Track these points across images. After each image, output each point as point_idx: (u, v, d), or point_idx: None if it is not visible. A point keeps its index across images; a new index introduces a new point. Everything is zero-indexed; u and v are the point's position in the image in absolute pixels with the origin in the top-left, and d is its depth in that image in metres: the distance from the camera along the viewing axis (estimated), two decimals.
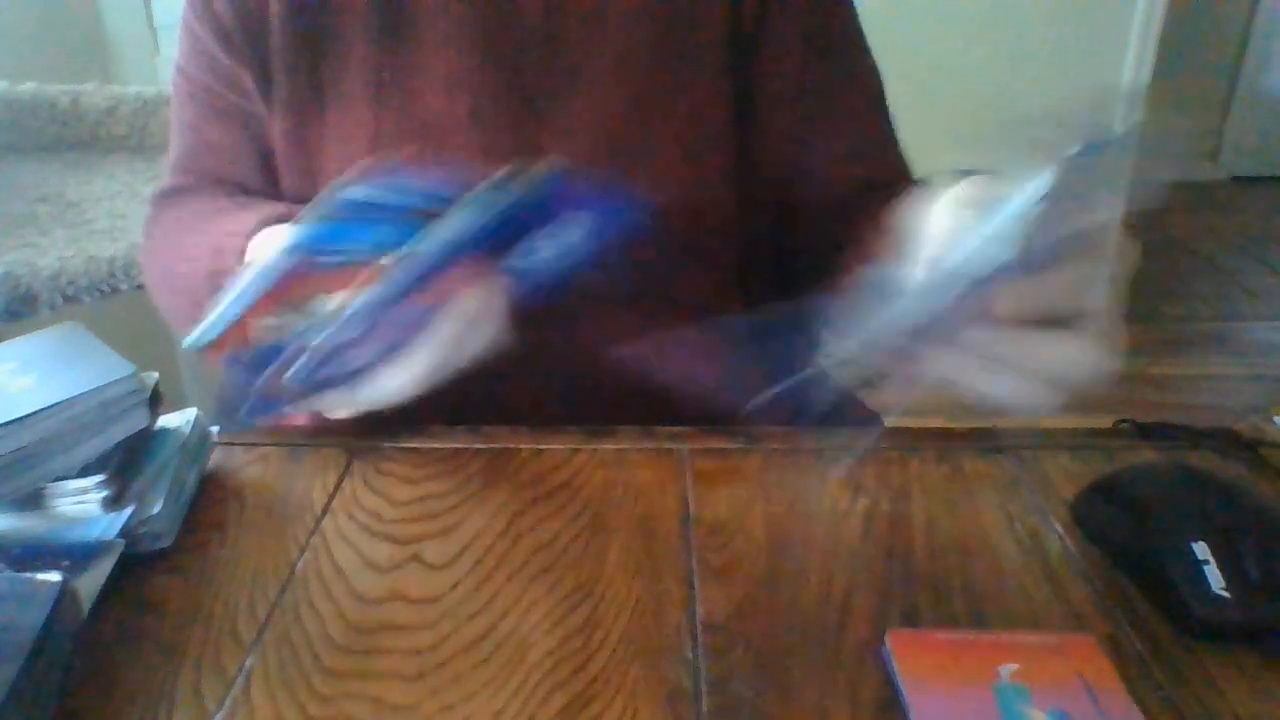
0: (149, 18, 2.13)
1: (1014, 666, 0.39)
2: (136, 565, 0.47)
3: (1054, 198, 0.36)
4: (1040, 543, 0.49)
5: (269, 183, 0.69)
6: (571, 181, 0.48)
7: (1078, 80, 2.43)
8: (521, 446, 0.58)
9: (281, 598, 0.45)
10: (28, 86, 1.43)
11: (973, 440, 0.58)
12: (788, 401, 0.46)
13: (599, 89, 0.63)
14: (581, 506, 0.52)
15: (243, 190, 0.69)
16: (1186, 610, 0.42)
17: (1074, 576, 0.47)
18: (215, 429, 0.58)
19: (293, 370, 0.49)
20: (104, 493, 0.48)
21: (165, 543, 0.49)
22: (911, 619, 0.44)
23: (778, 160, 0.68)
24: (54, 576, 0.41)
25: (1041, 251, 0.38)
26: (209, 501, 0.53)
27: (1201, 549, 0.43)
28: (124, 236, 1.17)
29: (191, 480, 0.53)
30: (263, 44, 0.65)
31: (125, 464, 0.50)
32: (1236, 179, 4.00)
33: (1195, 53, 3.73)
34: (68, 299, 1.07)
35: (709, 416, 0.62)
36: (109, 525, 0.47)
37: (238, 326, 0.49)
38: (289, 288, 0.48)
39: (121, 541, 0.46)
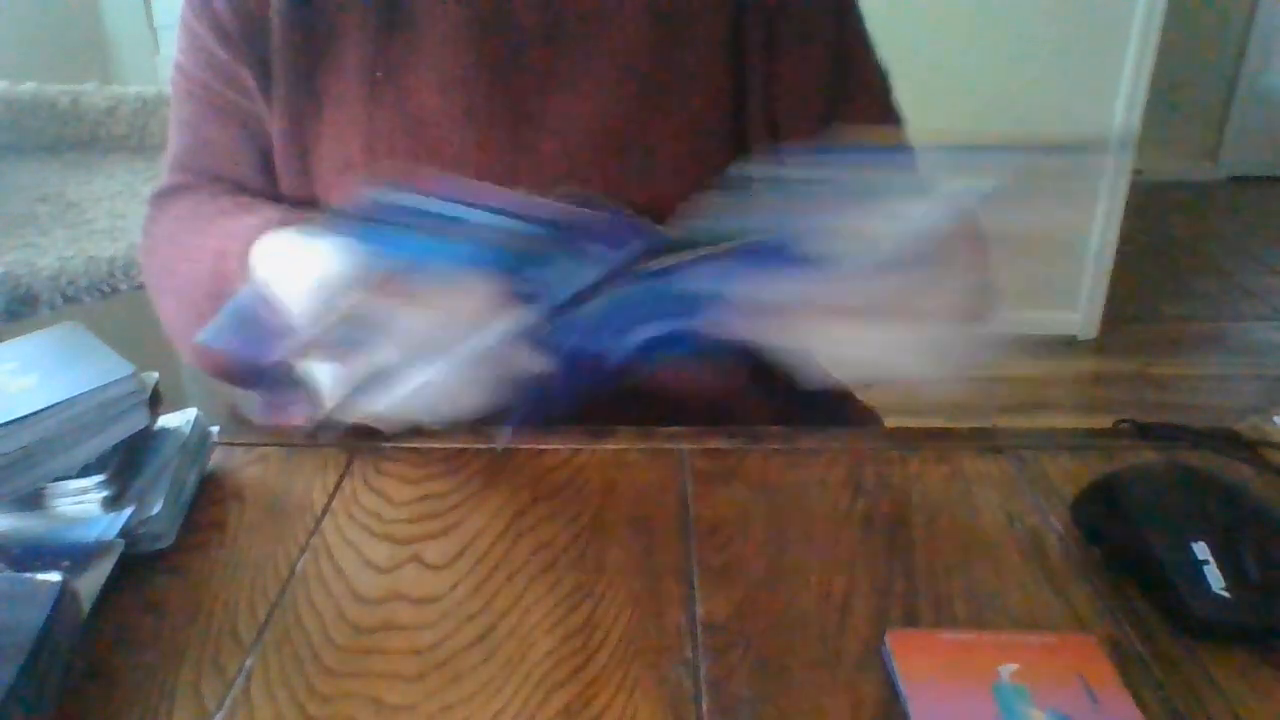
0: (149, 18, 2.13)
1: (1014, 666, 0.39)
2: (136, 565, 0.47)
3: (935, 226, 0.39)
4: (1040, 543, 0.49)
5: (268, 181, 0.69)
6: (589, 216, 0.48)
7: (1078, 80, 2.43)
8: (521, 446, 0.58)
9: (281, 598, 0.45)
10: (28, 86, 1.43)
11: (973, 440, 0.59)
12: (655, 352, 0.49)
13: (596, 88, 0.63)
14: (581, 506, 0.52)
15: (241, 189, 0.69)
16: (1186, 610, 0.42)
17: (1074, 576, 0.47)
18: (215, 429, 0.58)
19: (387, 395, 0.50)
20: (104, 493, 0.48)
21: (165, 543, 0.49)
22: (911, 619, 0.44)
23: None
24: (54, 576, 0.41)
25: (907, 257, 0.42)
26: (209, 501, 0.53)
27: (1201, 549, 0.43)
28: (124, 236, 1.17)
29: (191, 480, 0.53)
30: (262, 42, 0.65)
31: (125, 464, 0.50)
32: (1236, 179, 4.00)
33: (1195, 53, 3.73)
34: (68, 299, 1.07)
35: (706, 413, 0.62)
36: (109, 525, 0.47)
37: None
38: (371, 302, 0.48)
39: (121, 541, 0.46)
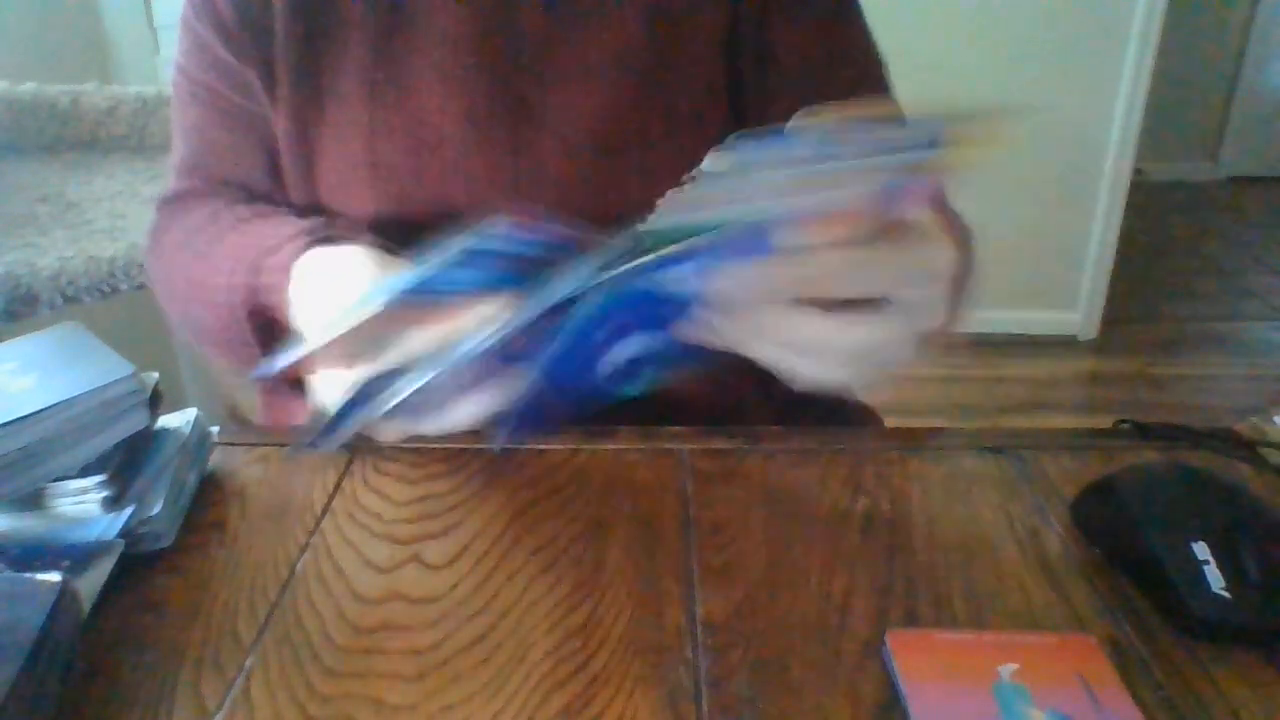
0: (149, 18, 2.13)
1: (1014, 666, 0.39)
2: (136, 565, 0.47)
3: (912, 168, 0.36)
4: (1040, 543, 0.49)
5: (275, 183, 0.69)
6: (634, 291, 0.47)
7: (1077, 80, 2.43)
8: (521, 446, 0.58)
9: (281, 598, 0.45)
10: (28, 86, 1.43)
11: (973, 440, 0.59)
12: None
13: (595, 89, 0.63)
14: (581, 506, 0.52)
15: (249, 191, 0.69)
16: (1186, 610, 0.42)
17: (1074, 576, 0.47)
18: (215, 429, 0.58)
19: (384, 404, 0.50)
20: (104, 493, 0.48)
21: (165, 543, 0.49)
22: (911, 619, 0.44)
23: None
24: (54, 576, 0.41)
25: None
26: (209, 501, 0.53)
27: (1201, 549, 0.43)
28: (124, 236, 1.17)
29: (191, 480, 0.53)
30: (266, 41, 0.64)
31: (125, 464, 0.50)
32: (1236, 179, 4.00)
33: (1195, 53, 3.73)
34: (68, 299, 1.08)
35: (707, 414, 0.62)
36: (109, 525, 0.47)
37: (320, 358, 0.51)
38: (383, 325, 0.49)
39: (121, 541, 0.46)
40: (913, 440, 0.59)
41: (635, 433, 0.59)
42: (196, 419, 0.55)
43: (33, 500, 0.48)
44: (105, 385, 0.48)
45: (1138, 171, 2.59)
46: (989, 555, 0.48)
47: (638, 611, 0.44)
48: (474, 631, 0.43)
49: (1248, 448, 0.57)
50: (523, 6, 0.63)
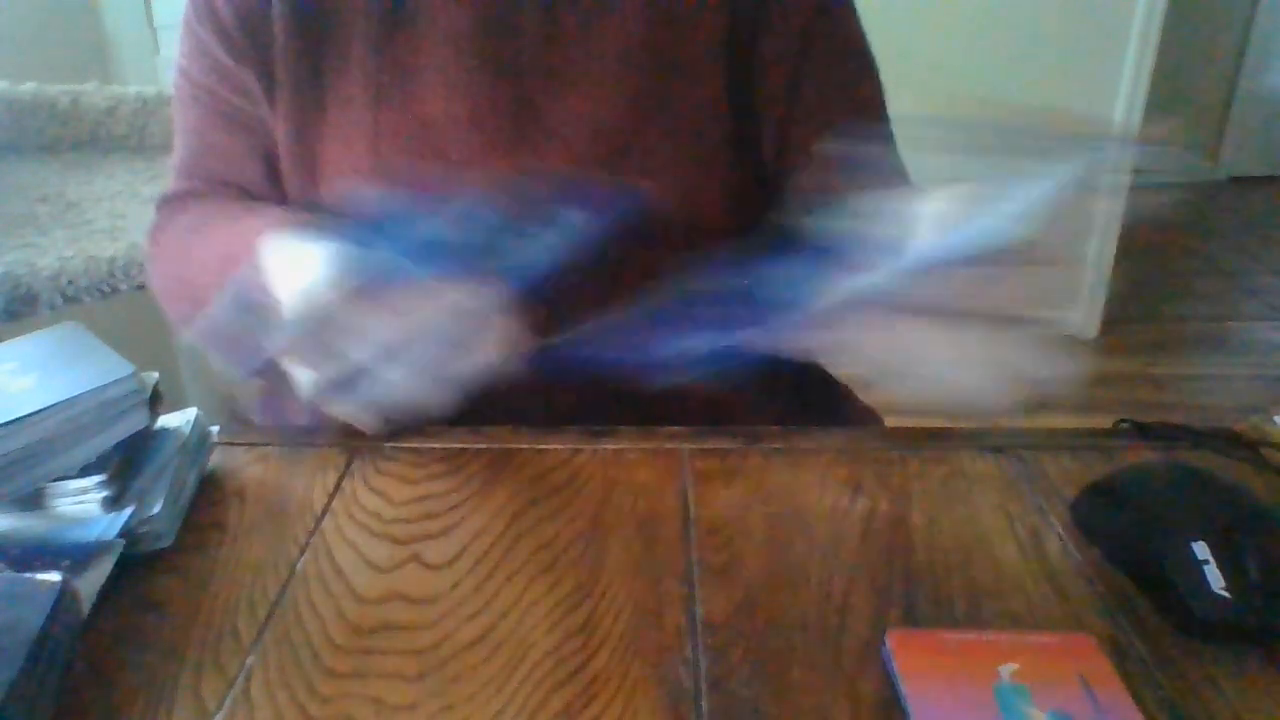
0: (149, 18, 2.13)
1: (1014, 666, 0.39)
2: (136, 565, 0.47)
3: (1074, 187, 0.36)
4: (1040, 543, 0.49)
5: (274, 186, 0.69)
6: (561, 184, 0.48)
7: (1078, 80, 2.43)
8: (521, 446, 0.58)
9: (281, 598, 0.45)
10: (28, 86, 1.43)
11: (973, 440, 0.59)
12: (720, 358, 0.47)
13: (597, 90, 0.63)
14: (581, 506, 0.52)
15: (248, 194, 0.69)
16: (1186, 610, 0.42)
17: (1074, 576, 0.47)
18: (215, 429, 0.58)
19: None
20: (104, 493, 0.48)
21: (165, 543, 0.49)
22: (911, 619, 0.44)
23: (781, 165, 0.68)
24: (54, 576, 0.41)
25: (1042, 240, 0.37)
26: (209, 501, 0.53)
27: (1201, 549, 0.43)
28: (124, 236, 1.17)
29: (191, 480, 0.53)
30: (265, 45, 0.65)
31: (125, 464, 0.50)
32: (1236, 179, 4.00)
33: (1195, 53, 3.73)
34: (68, 299, 1.07)
35: (707, 414, 0.62)
36: (109, 525, 0.47)
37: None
38: (348, 313, 0.48)
39: (121, 541, 0.46)
40: (913, 440, 0.59)
41: (635, 433, 0.59)
42: (196, 419, 0.55)
43: (33, 500, 0.48)
44: (105, 385, 0.48)
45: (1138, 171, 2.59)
46: (989, 555, 0.48)
47: (638, 611, 0.44)
48: (474, 631, 0.43)
49: (1248, 448, 0.57)
50: (525, 8, 0.63)
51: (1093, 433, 0.60)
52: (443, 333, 0.48)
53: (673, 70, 0.64)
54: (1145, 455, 0.57)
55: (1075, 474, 0.54)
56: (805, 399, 0.75)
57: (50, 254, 1.10)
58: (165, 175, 0.76)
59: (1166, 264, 3.14)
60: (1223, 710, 0.39)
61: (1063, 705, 0.37)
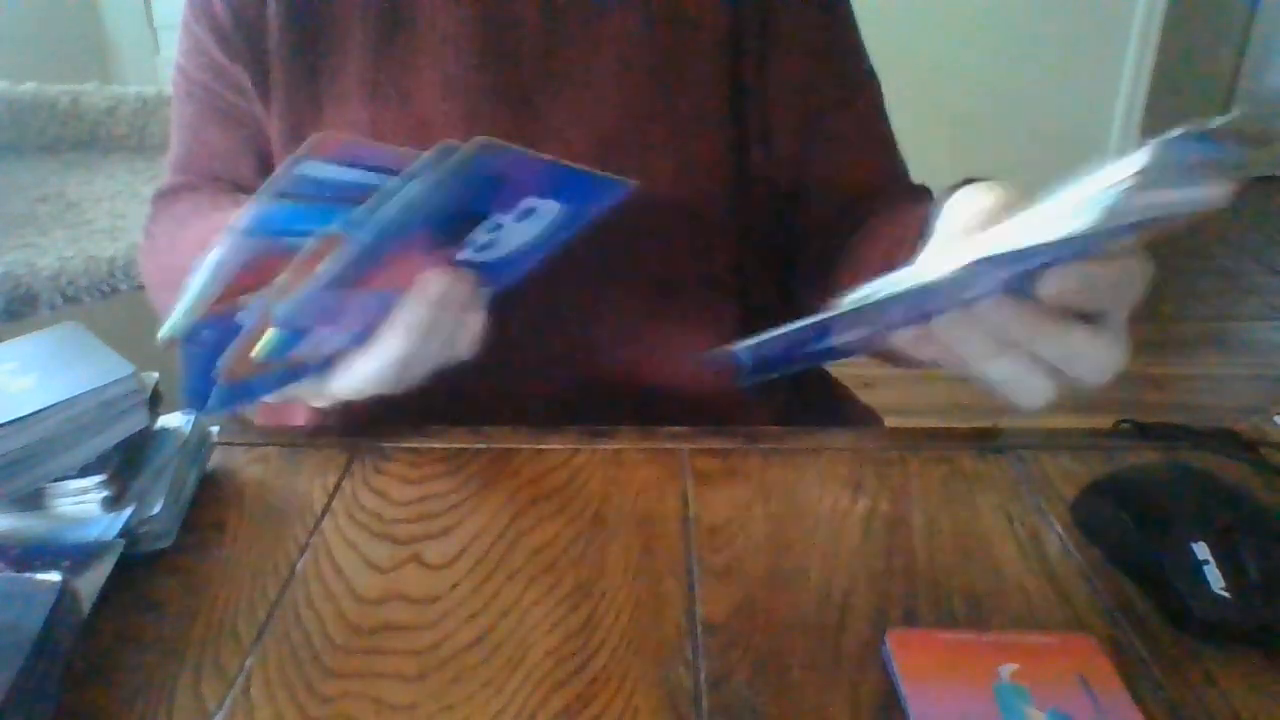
0: (149, 18, 2.13)
1: (1014, 666, 0.39)
2: (136, 565, 0.47)
3: (1146, 177, 0.35)
4: (1040, 543, 0.49)
5: None
6: (538, 167, 0.47)
7: (1078, 80, 2.43)
8: (521, 446, 0.58)
9: (281, 598, 0.45)
10: (28, 86, 1.43)
11: (973, 440, 0.59)
12: (769, 359, 0.46)
13: (596, 90, 0.63)
14: (581, 506, 0.52)
15: (241, 190, 0.69)
16: (1186, 610, 0.42)
17: (1074, 576, 0.47)
18: (215, 429, 0.58)
19: (255, 353, 0.46)
20: (104, 493, 0.48)
21: (165, 543, 0.49)
22: (911, 619, 0.44)
23: (779, 165, 0.68)
24: (54, 576, 0.41)
25: (1114, 233, 0.36)
26: (209, 501, 0.53)
27: (1201, 549, 0.43)
28: (124, 236, 1.17)
29: (191, 480, 0.53)
30: (260, 44, 0.65)
31: (125, 464, 0.50)
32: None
33: (1195, 53, 3.73)
34: (68, 299, 1.08)
35: (707, 414, 0.62)
36: (109, 525, 0.47)
37: (206, 315, 0.47)
38: (256, 271, 0.46)
39: (121, 541, 0.46)
40: (913, 440, 0.59)
41: (635, 433, 0.59)
42: (196, 419, 0.55)
43: (33, 500, 0.48)
44: (105, 385, 0.48)
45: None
46: (989, 555, 0.48)
47: (638, 611, 0.44)
48: (474, 631, 0.43)
49: (1248, 448, 0.57)
50: (524, 7, 0.63)
51: (1093, 433, 0.60)
52: (387, 301, 0.47)
53: (673, 70, 0.64)
54: (1145, 455, 0.57)
55: (1075, 474, 0.54)
56: (805, 399, 0.75)
57: (50, 254, 1.10)
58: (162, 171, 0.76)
59: (1166, 264, 3.14)
60: (1223, 710, 0.39)
61: (1063, 705, 0.37)
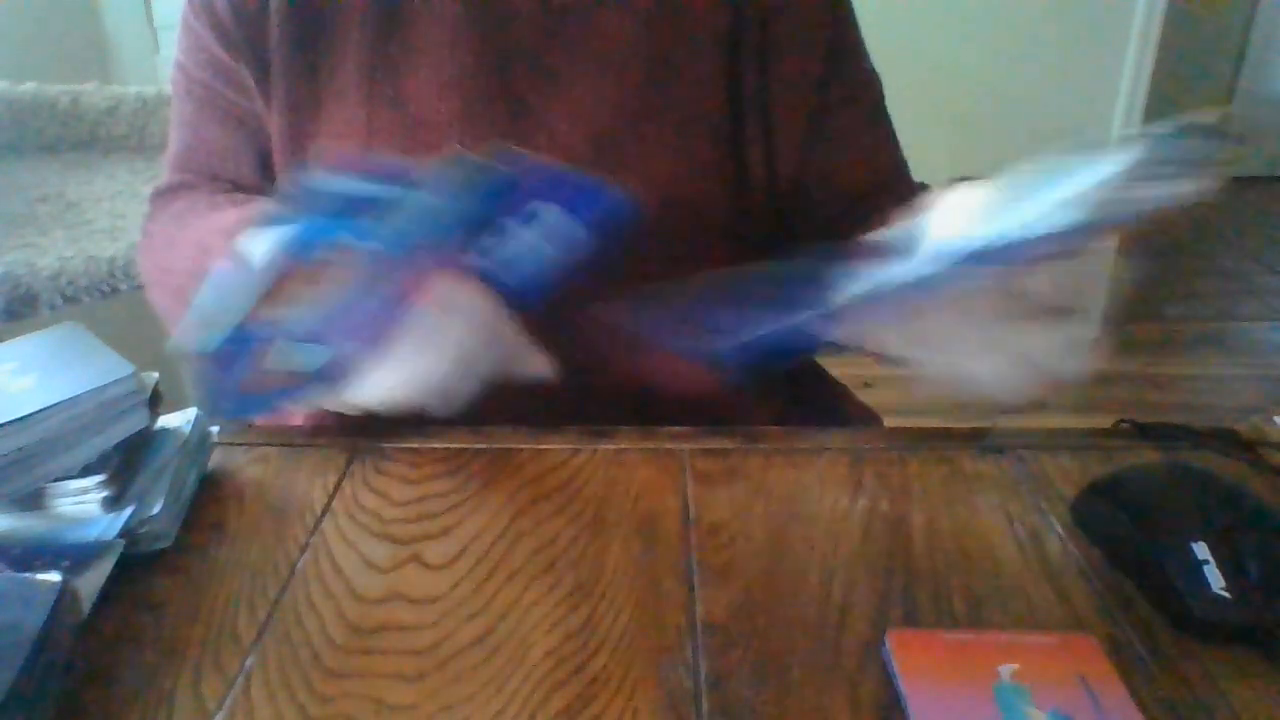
0: (149, 18, 2.13)
1: (1014, 666, 0.39)
2: (136, 565, 0.47)
3: (1133, 172, 0.35)
4: (1040, 543, 0.49)
5: (266, 182, 0.69)
6: (541, 173, 0.47)
7: (1078, 80, 2.43)
8: (521, 446, 0.58)
9: (281, 598, 0.45)
10: (28, 86, 1.43)
11: (973, 440, 0.58)
12: (767, 347, 0.46)
13: (593, 89, 0.63)
14: (581, 506, 0.52)
15: (240, 188, 0.69)
16: (1186, 610, 0.42)
17: (1074, 576, 0.47)
18: (215, 429, 0.58)
19: (270, 362, 0.47)
20: (104, 493, 0.48)
21: (165, 543, 0.49)
22: (911, 619, 0.44)
23: (779, 164, 0.68)
24: (54, 576, 0.41)
25: (1097, 227, 0.37)
26: (209, 501, 0.53)
27: (1201, 549, 0.43)
28: (124, 236, 1.17)
29: (191, 480, 0.53)
30: (261, 42, 0.65)
31: (125, 464, 0.50)
32: (1236, 179, 4.00)
33: (1195, 53, 3.73)
34: (68, 299, 1.07)
35: (707, 414, 0.62)
36: (109, 525, 0.47)
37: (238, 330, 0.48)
38: (284, 286, 0.47)
39: (121, 541, 0.46)
40: (913, 440, 0.59)
41: (635, 433, 0.59)
42: (196, 419, 0.55)
43: (33, 500, 0.48)
44: (105, 385, 0.48)
45: None
46: (989, 555, 0.48)
47: (638, 611, 0.44)
48: (474, 631, 0.43)
49: (1248, 448, 0.57)
50: (519, 7, 0.63)
51: (1093, 433, 0.60)
52: (406, 313, 0.47)
53: (670, 68, 0.64)
54: (1145, 455, 0.57)
55: (1075, 474, 0.54)
56: (804, 399, 0.75)
57: (50, 254, 1.10)
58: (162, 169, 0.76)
59: (1167, 264, 3.14)
60: (1223, 710, 0.39)
61: (1063, 705, 0.37)
